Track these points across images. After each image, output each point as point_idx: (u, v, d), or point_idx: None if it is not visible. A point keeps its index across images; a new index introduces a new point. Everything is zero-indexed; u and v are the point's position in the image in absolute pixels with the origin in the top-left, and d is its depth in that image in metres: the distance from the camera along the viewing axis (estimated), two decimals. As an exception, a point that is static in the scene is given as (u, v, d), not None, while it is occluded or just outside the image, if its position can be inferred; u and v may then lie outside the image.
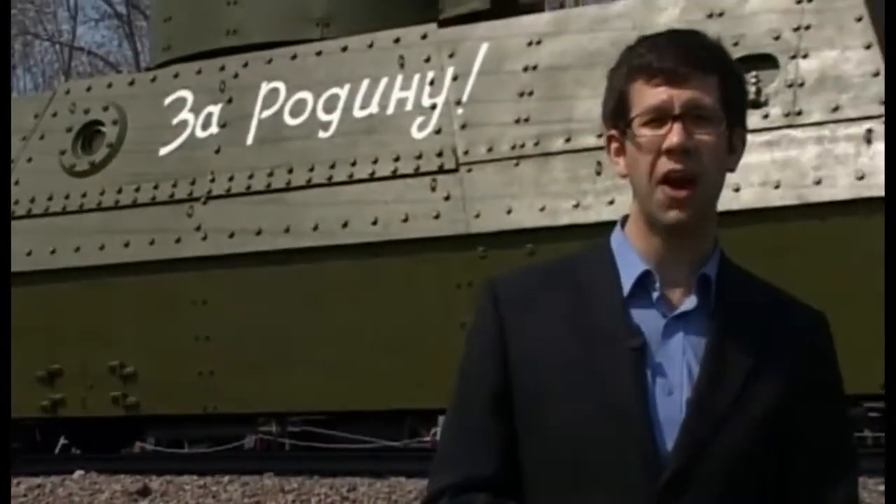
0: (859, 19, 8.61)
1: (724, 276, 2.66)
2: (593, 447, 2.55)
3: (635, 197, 2.68)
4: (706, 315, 2.61)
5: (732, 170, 2.70)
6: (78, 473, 9.86)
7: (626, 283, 2.63)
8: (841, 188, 8.33)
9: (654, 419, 2.54)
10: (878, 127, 8.38)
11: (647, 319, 2.60)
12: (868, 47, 8.54)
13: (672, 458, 2.52)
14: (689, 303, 2.61)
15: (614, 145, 2.71)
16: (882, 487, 7.76)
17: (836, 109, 8.50)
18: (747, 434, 2.55)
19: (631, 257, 2.66)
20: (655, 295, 2.62)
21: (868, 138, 8.39)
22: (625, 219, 2.75)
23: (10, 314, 8.81)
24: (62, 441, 14.18)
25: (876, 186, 8.26)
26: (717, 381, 2.56)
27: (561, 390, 2.58)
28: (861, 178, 8.33)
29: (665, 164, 2.56)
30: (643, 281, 2.63)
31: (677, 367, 2.58)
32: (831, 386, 2.68)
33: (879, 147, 8.34)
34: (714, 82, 2.62)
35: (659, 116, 2.58)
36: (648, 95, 2.59)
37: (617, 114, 2.68)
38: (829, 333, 2.71)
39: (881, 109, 8.39)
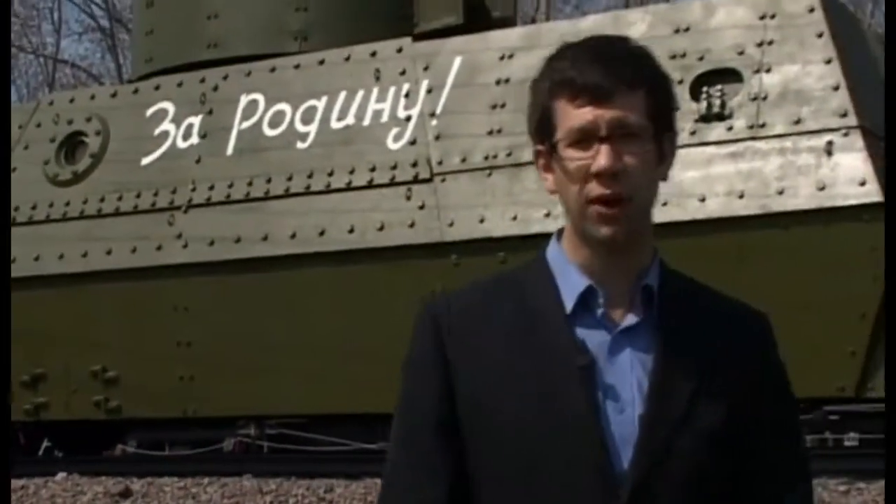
0: (820, 35, 8.65)
1: (666, 286, 2.54)
2: (547, 468, 2.43)
3: (567, 213, 2.53)
4: (651, 328, 2.49)
5: (664, 178, 2.58)
6: (61, 475, 9.82)
7: (568, 300, 2.50)
8: (803, 198, 8.35)
9: (609, 437, 2.42)
10: (839, 139, 8.41)
11: (593, 336, 2.47)
12: (828, 62, 8.58)
13: (628, 477, 2.41)
14: (633, 317, 2.49)
15: (542, 161, 2.56)
16: (843, 488, 7.79)
17: (798, 122, 8.52)
18: (701, 446, 2.44)
19: (570, 272, 2.53)
20: (599, 311, 2.49)
21: (829, 150, 8.41)
22: (560, 232, 2.60)
23: (10, 317, 8.79)
24: (45, 444, 14.10)
25: (838, 196, 8.31)
26: (666, 395, 2.44)
27: (512, 409, 2.44)
28: (822, 188, 8.35)
29: (595, 189, 2.43)
30: (585, 297, 2.50)
31: (627, 383, 2.45)
32: (781, 389, 2.59)
33: (839, 158, 8.38)
34: (640, 97, 2.47)
35: (585, 137, 2.44)
36: (572, 116, 2.45)
37: (541, 131, 2.53)
38: (772, 335, 2.61)
39: (841, 122, 8.43)
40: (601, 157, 2.41)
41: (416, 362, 2.59)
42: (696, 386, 2.45)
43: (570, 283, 2.51)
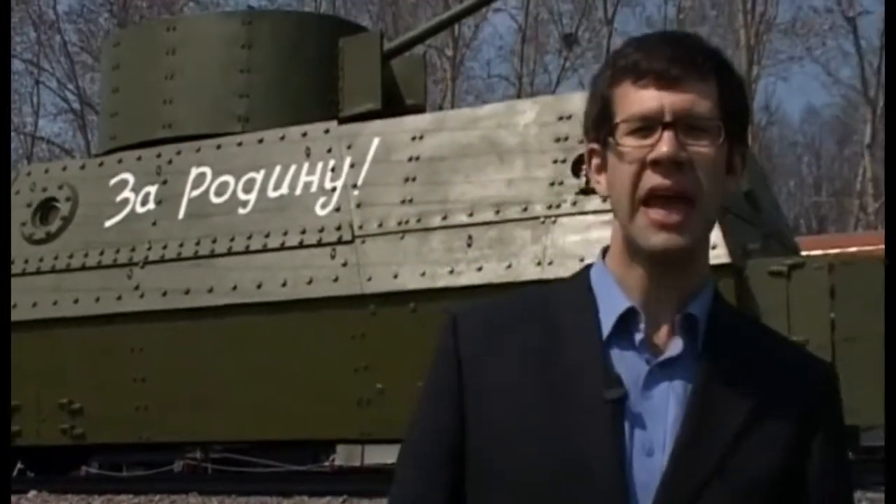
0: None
1: (717, 317, 1.94)
2: None
3: (617, 219, 1.97)
4: (694, 361, 1.89)
5: (730, 193, 1.97)
6: (32, 493, 9.69)
7: (607, 322, 1.90)
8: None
9: (629, 483, 1.82)
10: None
11: (628, 365, 1.88)
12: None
13: None
14: (676, 347, 1.89)
15: (595, 161, 1.98)
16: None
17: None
18: (738, 500, 1.84)
19: (612, 292, 1.93)
20: (639, 337, 1.89)
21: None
22: (606, 249, 2.02)
23: (10, 320, 8.67)
24: (19, 465, 13.87)
25: (722, 255, 8.23)
26: (701, 438, 1.84)
27: (521, 443, 1.86)
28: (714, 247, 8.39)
29: (651, 178, 1.85)
30: (625, 319, 1.90)
31: (660, 422, 1.85)
32: (837, 443, 1.96)
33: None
34: (712, 88, 1.89)
35: (647, 125, 1.86)
36: (635, 100, 1.87)
37: (599, 123, 1.94)
38: (836, 388, 1.99)
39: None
40: (663, 143, 1.84)
41: (435, 373, 2.02)
42: (738, 432, 1.85)
43: (611, 303, 1.92)
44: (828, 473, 1.92)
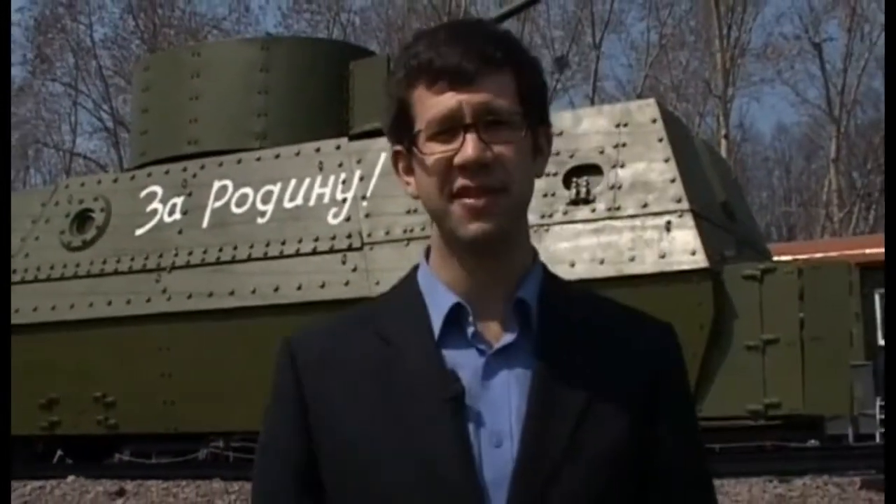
0: (660, 140, 8.72)
1: (548, 297, 1.75)
2: None
3: (432, 219, 1.77)
4: (531, 345, 1.71)
5: (540, 175, 1.78)
6: (70, 478, 9.69)
7: (437, 322, 1.72)
8: (648, 264, 8.39)
9: (481, 479, 1.64)
10: (675, 219, 8.45)
11: (465, 360, 1.69)
12: (667, 160, 8.64)
13: None
14: (509, 335, 1.71)
15: (402, 164, 1.78)
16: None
17: (644, 206, 8.56)
18: (594, 475, 1.66)
19: (438, 290, 1.75)
20: (470, 330, 1.71)
21: (667, 227, 8.45)
22: (428, 250, 1.83)
23: (10, 320, 8.64)
24: (59, 453, 13.84)
25: (674, 263, 8.33)
26: (548, 420, 1.66)
27: (373, 458, 1.67)
28: (662, 256, 8.39)
29: (460, 182, 1.67)
30: (454, 316, 1.72)
31: (504, 412, 1.67)
32: (685, 405, 1.81)
33: (675, 234, 8.42)
34: (508, 78, 1.69)
35: (448, 128, 1.67)
36: (432, 104, 1.68)
37: (399, 127, 1.74)
38: (678, 346, 1.82)
39: (676, 206, 8.49)
40: (467, 146, 1.65)
41: (276, 399, 1.84)
42: (583, 409, 1.68)
43: (438, 302, 1.74)
44: (678, 433, 1.75)
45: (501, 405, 1.67)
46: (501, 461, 1.65)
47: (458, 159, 1.66)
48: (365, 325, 1.79)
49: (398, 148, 1.77)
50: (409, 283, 1.81)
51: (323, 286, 9.48)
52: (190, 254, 10.19)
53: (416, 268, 1.83)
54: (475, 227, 1.67)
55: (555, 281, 1.80)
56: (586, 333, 1.74)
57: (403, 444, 1.66)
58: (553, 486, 1.65)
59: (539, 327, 1.72)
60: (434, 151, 1.68)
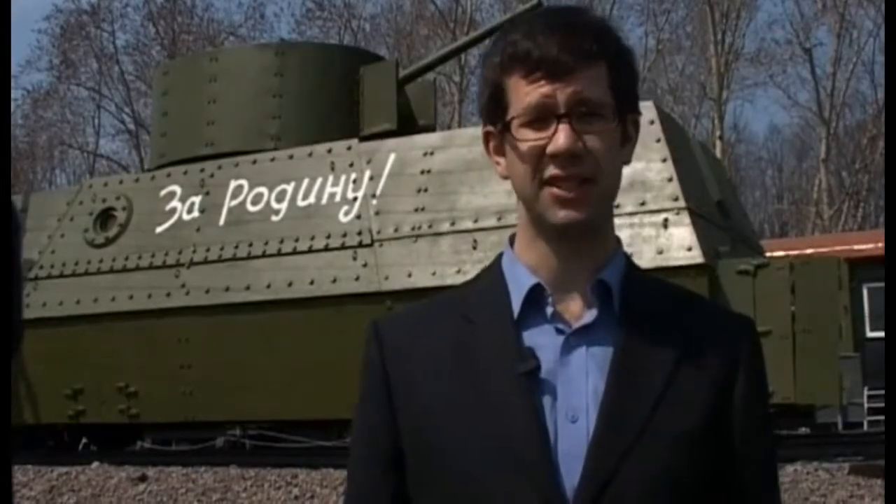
0: (658, 141, 8.70)
1: (630, 281, 1.73)
2: (490, 494, 1.62)
3: (520, 199, 1.74)
4: (612, 326, 1.68)
5: (628, 162, 1.77)
6: (95, 464, 9.69)
7: (517, 302, 1.70)
8: (646, 260, 8.36)
9: (555, 453, 1.61)
10: (672, 217, 8.44)
11: (543, 340, 1.66)
12: (664, 161, 8.62)
13: (578, 497, 1.59)
14: (590, 315, 1.67)
15: (493, 143, 1.77)
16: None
17: (643, 204, 8.54)
18: (669, 456, 1.62)
19: (519, 273, 1.73)
20: (549, 310, 1.68)
21: (665, 224, 8.43)
22: (513, 237, 1.80)
23: (10, 321, 8.61)
24: (84, 440, 13.86)
25: (671, 259, 8.32)
26: (627, 398, 1.63)
27: (452, 434, 1.65)
28: (660, 252, 8.38)
29: (551, 170, 1.65)
30: (534, 297, 1.70)
31: (580, 388, 1.64)
32: (759, 398, 1.74)
33: (672, 231, 8.41)
34: (602, 71, 1.66)
35: (541, 116, 1.65)
36: (527, 92, 1.65)
37: (493, 110, 1.72)
38: (757, 341, 1.77)
39: (673, 204, 8.47)
40: (559, 136, 1.63)
41: (366, 384, 1.83)
42: (662, 390, 1.64)
43: (519, 283, 1.72)
44: (751, 425, 1.71)
45: (579, 382, 1.65)
46: (577, 436, 1.62)
47: (550, 148, 1.64)
48: (450, 308, 1.77)
49: (490, 129, 1.75)
50: (493, 267, 1.80)
51: (334, 281, 9.48)
52: (208, 250, 10.19)
53: (500, 255, 1.81)
54: (564, 214, 1.65)
55: (637, 269, 1.78)
56: (667, 319, 1.71)
57: (479, 418, 1.64)
58: (627, 463, 1.61)
59: (622, 308, 1.69)
60: (527, 138, 1.67)
